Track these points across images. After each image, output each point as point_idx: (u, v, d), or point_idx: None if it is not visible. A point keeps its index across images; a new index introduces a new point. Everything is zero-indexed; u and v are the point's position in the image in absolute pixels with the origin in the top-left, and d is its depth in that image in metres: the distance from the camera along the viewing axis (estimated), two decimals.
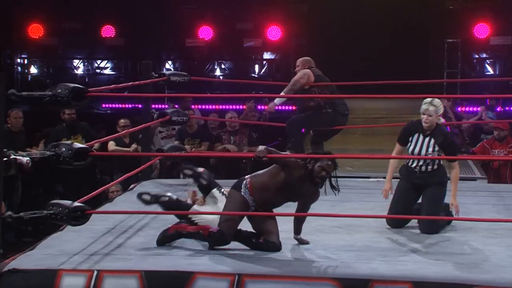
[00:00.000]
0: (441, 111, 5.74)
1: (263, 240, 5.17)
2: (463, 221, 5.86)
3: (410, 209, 5.83)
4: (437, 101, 5.72)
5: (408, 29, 14.20)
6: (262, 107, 12.64)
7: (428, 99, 5.71)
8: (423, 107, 5.71)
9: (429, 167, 5.75)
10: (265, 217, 5.23)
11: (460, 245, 5.40)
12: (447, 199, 5.86)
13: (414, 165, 5.81)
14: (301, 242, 5.35)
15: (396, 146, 5.94)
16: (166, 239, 5.29)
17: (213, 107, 13.64)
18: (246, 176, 5.33)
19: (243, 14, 15.14)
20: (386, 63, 13.39)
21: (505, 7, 13.90)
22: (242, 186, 5.23)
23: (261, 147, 5.16)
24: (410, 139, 5.81)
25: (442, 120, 5.84)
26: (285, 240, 5.29)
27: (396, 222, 5.79)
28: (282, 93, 7.47)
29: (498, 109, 12.39)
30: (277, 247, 5.18)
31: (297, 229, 5.38)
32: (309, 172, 5.14)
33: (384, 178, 7.89)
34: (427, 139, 5.72)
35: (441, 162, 5.80)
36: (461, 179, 7.83)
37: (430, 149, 5.70)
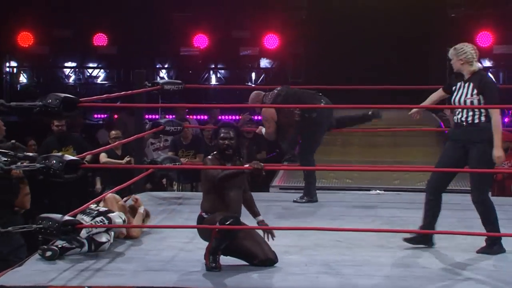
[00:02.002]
0: (463, 56, 5.52)
1: (258, 261, 5.05)
2: (465, 235, 5.72)
3: (456, 166, 5.58)
4: (460, 45, 5.61)
5: (409, 37, 14.17)
6: (259, 117, 12.50)
7: None
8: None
9: (476, 118, 5.46)
10: (242, 234, 5.06)
11: (463, 260, 5.29)
12: None
13: (459, 117, 5.56)
14: (264, 223, 5.23)
15: (440, 89, 5.81)
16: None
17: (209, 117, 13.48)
18: (199, 214, 5.19)
19: (240, 22, 15.06)
20: (386, 72, 13.34)
21: (509, 15, 13.82)
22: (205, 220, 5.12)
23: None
24: (454, 88, 5.61)
25: (479, 65, 5.57)
26: (283, 254, 5.20)
27: (436, 188, 5.65)
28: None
29: (506, 119, 12.21)
30: (273, 262, 5.08)
31: (253, 212, 5.29)
32: (219, 152, 5.13)
33: (384, 191, 7.81)
34: (466, 84, 5.53)
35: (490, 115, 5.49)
36: (464, 191, 7.77)
37: (469, 94, 5.48)
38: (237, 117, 12.84)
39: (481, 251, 5.42)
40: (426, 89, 10.70)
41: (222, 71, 15.78)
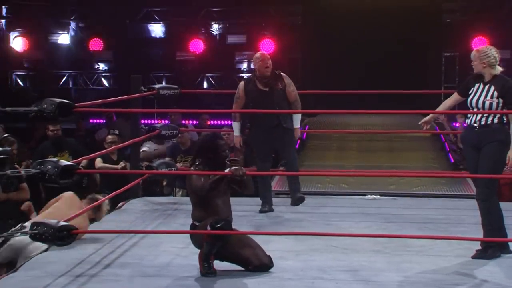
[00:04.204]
0: (486, 59, 5.48)
1: (253, 267, 5.05)
2: (461, 241, 5.72)
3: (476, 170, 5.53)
4: (484, 48, 5.60)
5: (404, 42, 14.22)
6: None
7: None
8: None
9: (489, 120, 5.44)
10: (236, 240, 5.05)
11: (458, 265, 5.28)
12: None
13: (472, 121, 5.52)
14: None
15: (454, 94, 5.73)
16: None
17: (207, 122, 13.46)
18: (191, 223, 5.20)
19: (236, 27, 15.09)
20: (382, 77, 13.37)
21: (504, 20, 13.86)
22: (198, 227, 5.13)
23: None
24: (471, 90, 5.56)
25: (500, 69, 5.54)
26: (278, 260, 5.19)
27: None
28: (298, 117, 7.11)
29: None
30: (268, 267, 5.07)
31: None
32: (218, 163, 5.10)
33: (380, 196, 7.78)
34: (486, 87, 5.49)
35: (504, 118, 5.48)
36: (459, 196, 7.79)
37: (489, 96, 5.45)
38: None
39: (476, 256, 5.42)
40: (423, 93, 10.79)
41: (217, 76, 15.77)
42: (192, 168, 5.23)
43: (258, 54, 7.12)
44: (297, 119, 7.10)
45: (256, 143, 7.12)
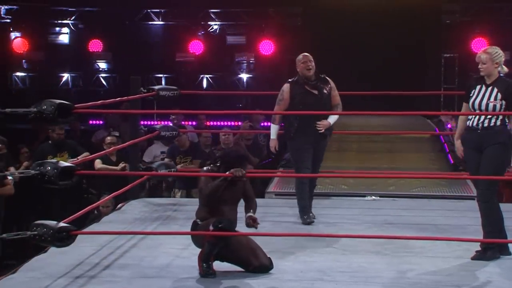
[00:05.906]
0: (499, 59, 5.48)
1: (253, 268, 5.05)
2: (461, 242, 5.70)
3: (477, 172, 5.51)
4: (492, 48, 5.56)
5: (404, 44, 14.23)
6: (266, 123, 12.48)
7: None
8: (477, 56, 5.53)
9: (492, 122, 5.42)
10: (236, 241, 5.05)
11: (458, 266, 5.28)
12: None
13: (475, 123, 5.48)
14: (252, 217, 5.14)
15: (463, 105, 5.67)
16: None
17: (205, 123, 13.49)
18: (194, 220, 5.20)
19: (235, 28, 15.11)
20: (381, 78, 13.37)
21: (503, 21, 13.87)
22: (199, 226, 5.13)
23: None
24: (472, 92, 5.52)
25: (506, 69, 5.54)
26: (278, 261, 5.19)
27: None
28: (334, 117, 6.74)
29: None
30: (268, 268, 5.08)
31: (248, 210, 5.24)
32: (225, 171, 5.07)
33: (380, 197, 7.79)
34: (489, 89, 5.46)
35: (506, 120, 5.49)
36: (459, 198, 7.78)
37: (492, 98, 5.42)
38: (234, 123, 12.85)
39: (476, 257, 5.42)
40: (422, 94, 10.82)
41: (217, 77, 15.77)
42: (205, 166, 5.24)
43: (300, 56, 6.88)
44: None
45: (297, 149, 6.67)
